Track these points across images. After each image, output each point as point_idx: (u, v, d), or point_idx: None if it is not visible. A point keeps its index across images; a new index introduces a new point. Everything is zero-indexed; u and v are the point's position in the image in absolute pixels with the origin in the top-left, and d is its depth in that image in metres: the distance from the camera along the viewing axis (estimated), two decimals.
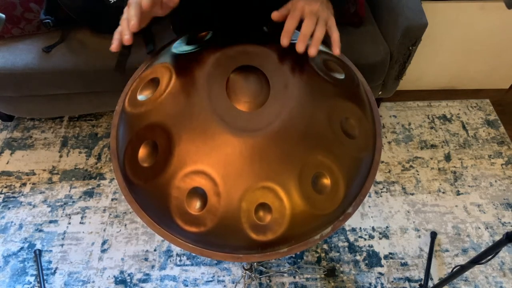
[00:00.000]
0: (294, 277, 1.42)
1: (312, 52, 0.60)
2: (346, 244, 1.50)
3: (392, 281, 1.41)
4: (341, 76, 0.69)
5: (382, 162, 1.74)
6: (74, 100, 1.64)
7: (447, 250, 1.48)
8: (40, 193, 1.64)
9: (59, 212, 1.59)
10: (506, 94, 2.01)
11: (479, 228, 1.54)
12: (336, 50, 0.63)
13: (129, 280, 1.42)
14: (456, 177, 1.68)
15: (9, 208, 1.60)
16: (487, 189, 1.64)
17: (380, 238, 1.51)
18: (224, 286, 1.40)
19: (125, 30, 0.57)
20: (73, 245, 1.50)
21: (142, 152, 0.61)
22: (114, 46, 0.58)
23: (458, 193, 1.63)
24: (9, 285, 1.41)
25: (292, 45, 0.72)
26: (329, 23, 0.63)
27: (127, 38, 0.56)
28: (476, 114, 1.91)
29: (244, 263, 1.29)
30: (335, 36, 0.63)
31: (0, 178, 1.69)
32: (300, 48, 0.60)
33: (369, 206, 1.60)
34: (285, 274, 1.42)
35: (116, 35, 0.58)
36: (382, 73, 1.56)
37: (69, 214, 1.58)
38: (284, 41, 0.61)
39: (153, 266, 1.45)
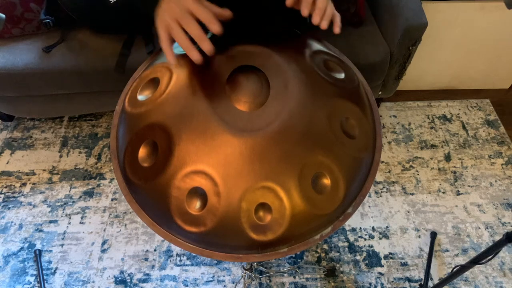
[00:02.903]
0: (294, 277, 1.42)
1: (324, 25, 0.63)
2: (346, 244, 1.50)
3: (392, 281, 1.41)
4: (341, 76, 0.69)
5: (382, 162, 1.74)
6: (74, 100, 1.63)
7: (447, 250, 1.48)
8: (40, 193, 1.64)
9: (59, 212, 1.59)
10: (506, 94, 2.01)
11: (479, 228, 1.53)
12: (337, 29, 0.66)
13: (129, 280, 1.42)
14: (456, 177, 1.68)
15: (9, 208, 1.60)
16: (487, 189, 1.64)
17: (380, 238, 1.51)
18: (224, 286, 1.40)
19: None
20: (73, 245, 1.50)
21: (142, 152, 0.61)
22: (198, 58, 0.59)
23: (458, 193, 1.63)
24: (9, 285, 1.41)
25: (293, 45, 0.72)
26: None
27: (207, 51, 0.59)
28: (476, 114, 1.91)
29: (244, 263, 1.29)
30: (337, 16, 0.66)
31: (0, 178, 1.69)
32: (316, 20, 0.63)
33: (369, 206, 1.60)
34: (285, 274, 1.42)
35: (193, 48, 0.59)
36: (382, 73, 1.56)
37: (69, 214, 1.58)
38: (305, 11, 0.63)
39: (153, 266, 1.45)
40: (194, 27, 0.58)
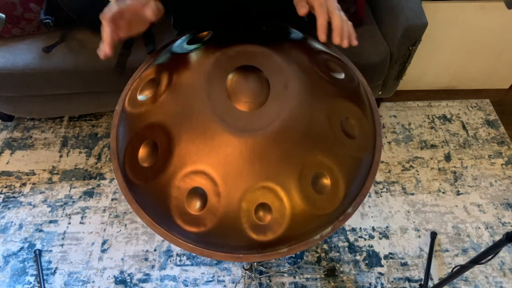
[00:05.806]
0: (294, 277, 1.42)
1: (345, 43, 0.63)
2: (346, 244, 1.50)
3: (392, 281, 1.41)
4: (341, 76, 0.69)
5: (382, 162, 1.74)
6: (74, 100, 1.64)
7: (447, 250, 1.48)
8: (40, 193, 1.64)
9: (59, 212, 1.59)
10: (506, 94, 2.01)
11: (479, 228, 1.53)
12: (354, 41, 0.64)
13: (129, 280, 1.42)
14: (456, 177, 1.68)
15: (9, 208, 1.60)
16: (487, 189, 1.64)
17: (380, 238, 1.51)
18: (224, 286, 1.40)
19: (104, 44, 0.60)
20: (73, 245, 1.50)
21: (142, 152, 0.61)
22: (103, 54, 0.60)
23: (458, 193, 1.63)
24: (9, 285, 1.41)
25: (293, 44, 0.72)
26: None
27: (106, 53, 0.59)
28: (476, 114, 1.91)
29: (244, 263, 1.29)
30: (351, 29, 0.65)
31: (0, 178, 1.69)
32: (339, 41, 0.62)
33: (369, 206, 1.60)
34: (285, 274, 1.42)
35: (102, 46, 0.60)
36: (382, 73, 1.56)
37: (69, 214, 1.58)
38: (323, 37, 0.62)
39: (153, 266, 1.45)
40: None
